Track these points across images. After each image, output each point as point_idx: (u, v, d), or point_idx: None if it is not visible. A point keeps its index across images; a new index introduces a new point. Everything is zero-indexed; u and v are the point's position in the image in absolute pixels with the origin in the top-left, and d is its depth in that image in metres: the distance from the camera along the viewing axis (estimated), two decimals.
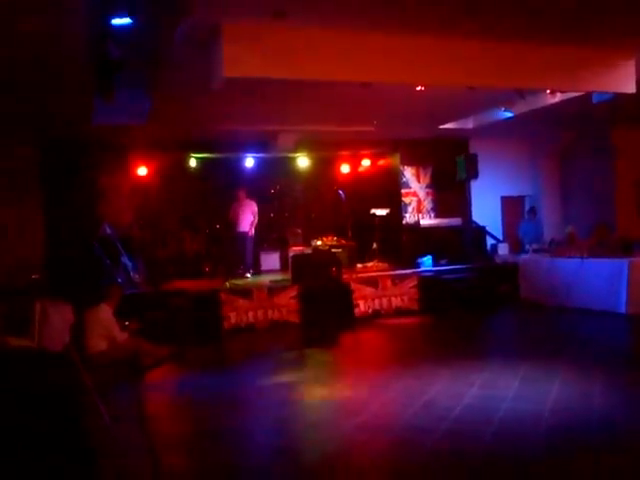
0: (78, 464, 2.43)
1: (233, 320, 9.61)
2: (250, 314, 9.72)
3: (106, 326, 7.12)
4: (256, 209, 11.97)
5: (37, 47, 6.31)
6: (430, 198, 14.09)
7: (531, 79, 8.02)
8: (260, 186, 12.89)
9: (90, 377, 5.25)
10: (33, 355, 2.84)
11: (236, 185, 12.08)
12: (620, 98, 9.09)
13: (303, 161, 13.17)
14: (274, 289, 10.05)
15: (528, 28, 7.07)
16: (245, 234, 11.79)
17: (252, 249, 12.05)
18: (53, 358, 2.82)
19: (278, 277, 11.17)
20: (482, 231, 12.82)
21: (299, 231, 13.07)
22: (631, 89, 8.38)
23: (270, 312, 9.85)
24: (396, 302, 10.64)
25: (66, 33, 5.93)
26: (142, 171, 11.89)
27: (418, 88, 8.33)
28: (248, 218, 11.82)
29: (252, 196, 12.15)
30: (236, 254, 11.73)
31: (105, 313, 7.19)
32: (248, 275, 11.62)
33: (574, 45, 7.72)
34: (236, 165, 12.76)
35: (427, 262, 11.74)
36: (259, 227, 12.25)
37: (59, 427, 2.42)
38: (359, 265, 11.97)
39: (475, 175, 12.65)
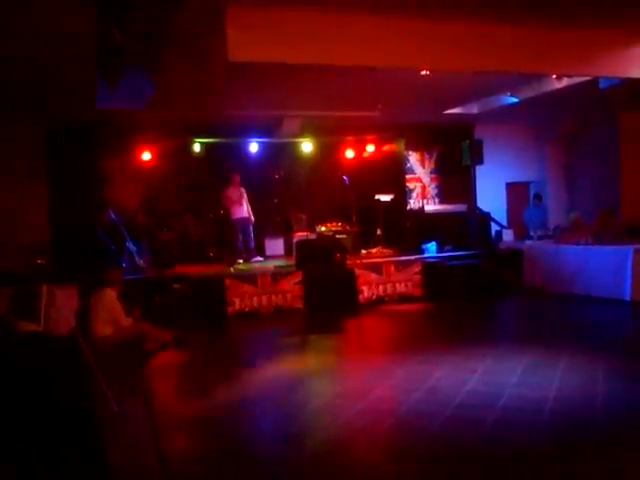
0: (84, 448, 2.45)
1: (237, 305, 9.65)
2: (254, 299, 9.75)
3: (111, 310, 7.17)
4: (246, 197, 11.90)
5: (43, 26, 6.27)
6: (435, 184, 14.06)
7: (537, 64, 7.94)
8: (264, 171, 12.86)
9: (96, 361, 5.28)
10: (41, 339, 2.86)
11: (240, 170, 12.01)
12: (627, 83, 9.00)
13: (307, 146, 13.11)
14: (278, 275, 10.07)
15: (534, 12, 6.99)
16: (246, 220, 11.77)
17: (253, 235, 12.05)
18: (60, 342, 2.83)
19: (282, 262, 11.19)
20: (487, 217, 12.78)
21: (303, 216, 13.04)
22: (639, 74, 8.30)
23: (274, 297, 9.88)
24: (400, 288, 10.65)
25: (73, 12, 5.89)
26: (146, 156, 11.86)
27: (423, 73, 8.27)
28: (244, 204, 11.74)
29: (257, 181, 12.13)
30: (238, 240, 11.68)
31: (110, 298, 7.24)
32: (261, 258, 11.66)
33: (581, 29, 7.63)
34: (240, 150, 12.72)
35: (431, 248, 11.73)
36: (263, 212, 12.24)
37: (66, 411, 2.43)
38: (363, 251, 11.97)
39: (480, 161, 12.58)
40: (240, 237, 11.64)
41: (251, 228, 11.84)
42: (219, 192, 11.81)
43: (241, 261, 11.35)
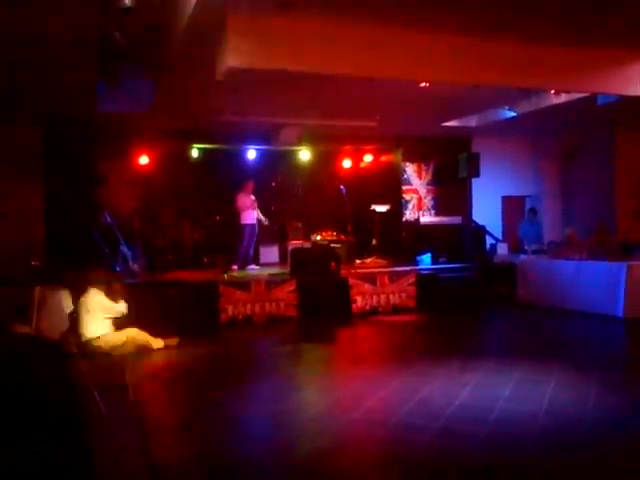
0: (73, 451, 2.43)
1: (230, 312, 9.60)
2: (248, 307, 9.71)
3: (104, 308, 7.17)
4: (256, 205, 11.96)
5: (44, 27, 6.28)
6: (431, 196, 14.09)
7: (536, 79, 7.99)
8: (261, 179, 12.86)
9: (85, 364, 5.26)
10: (31, 342, 2.84)
11: (238, 176, 12.03)
12: (624, 100, 9.07)
13: (305, 155, 13.15)
14: (272, 282, 10.05)
15: (535, 28, 7.04)
16: (253, 227, 11.77)
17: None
18: (50, 345, 2.81)
19: (277, 270, 11.17)
20: (482, 230, 12.82)
21: (299, 225, 13.04)
22: (637, 92, 8.36)
23: (268, 305, 9.84)
24: (393, 299, 10.64)
25: (75, 14, 5.90)
26: (144, 160, 11.86)
27: (422, 84, 8.31)
28: (254, 211, 11.77)
29: (254, 188, 12.15)
30: (242, 245, 11.67)
31: (97, 297, 7.22)
32: (256, 267, 11.64)
33: (581, 46, 7.69)
34: (238, 157, 12.73)
35: (426, 260, 11.74)
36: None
37: (55, 414, 2.42)
38: (358, 261, 11.97)
39: (476, 174, 12.63)
40: (245, 243, 11.63)
41: (255, 236, 11.84)
42: (216, 199, 11.80)
43: (236, 267, 11.33)
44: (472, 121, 12.31)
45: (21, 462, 2.31)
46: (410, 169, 13.94)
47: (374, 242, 12.55)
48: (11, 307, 3.95)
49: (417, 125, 12.09)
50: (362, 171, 13.81)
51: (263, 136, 12.33)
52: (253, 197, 11.78)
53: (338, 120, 11.21)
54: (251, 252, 11.86)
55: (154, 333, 7.54)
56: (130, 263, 10.44)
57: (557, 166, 14.57)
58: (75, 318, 7.01)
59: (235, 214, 11.79)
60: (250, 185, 11.76)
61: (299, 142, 12.55)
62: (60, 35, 6.43)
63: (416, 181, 13.97)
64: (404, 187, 13.85)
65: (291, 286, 9.99)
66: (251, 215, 11.72)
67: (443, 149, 13.67)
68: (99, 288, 7.34)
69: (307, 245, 11.99)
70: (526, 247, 11.99)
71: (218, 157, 12.54)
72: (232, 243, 11.77)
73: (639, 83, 8.29)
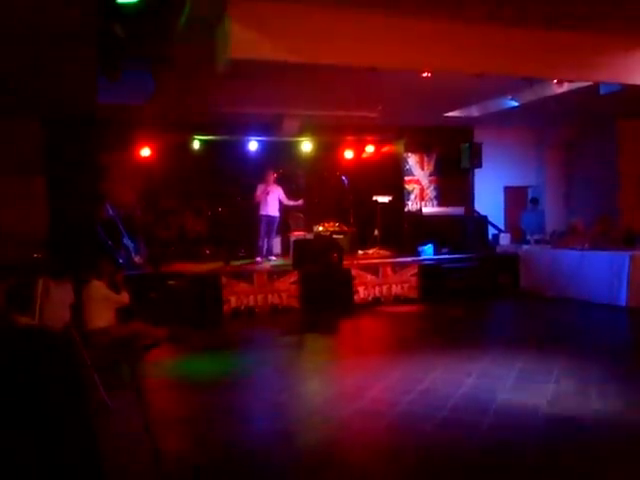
0: (77, 443, 2.44)
1: (233, 303, 9.64)
2: (250, 298, 9.75)
3: (105, 298, 7.15)
4: (283, 195, 11.77)
5: (44, 19, 6.23)
6: (433, 186, 14.02)
7: (539, 67, 7.93)
8: (263, 170, 12.84)
9: (89, 356, 5.27)
10: (35, 333, 2.85)
11: (240, 168, 12.00)
12: (628, 90, 9.02)
13: (307, 145, 13.10)
14: (275, 273, 10.06)
15: (537, 15, 6.99)
16: (273, 218, 11.63)
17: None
18: (54, 336, 2.82)
19: (279, 262, 11.17)
20: (484, 221, 12.79)
21: (301, 216, 13.03)
22: None
23: (270, 296, 9.87)
24: (396, 290, 10.65)
25: (74, 6, 5.86)
26: (145, 151, 11.82)
27: (424, 74, 8.27)
28: (275, 203, 11.63)
29: (255, 179, 12.13)
30: (259, 237, 11.57)
31: (98, 289, 7.21)
32: (274, 258, 11.57)
33: (584, 34, 7.63)
34: (240, 148, 12.70)
35: (428, 250, 11.72)
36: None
37: (59, 405, 2.42)
38: (360, 252, 11.97)
39: (479, 164, 12.57)
40: (263, 234, 11.53)
41: (275, 226, 11.72)
42: (218, 190, 11.76)
43: (260, 260, 11.24)
44: (474, 111, 12.24)
45: (25, 454, 2.32)
46: (412, 160, 13.87)
47: (376, 233, 12.53)
48: (14, 299, 3.95)
49: (419, 115, 12.03)
50: (364, 162, 13.77)
51: (265, 127, 12.27)
52: (275, 187, 11.58)
53: (340, 110, 11.16)
54: (266, 245, 11.65)
55: (157, 324, 7.55)
56: (133, 255, 10.45)
57: (559, 156, 14.51)
58: (79, 310, 7.01)
59: (237, 204, 11.76)
60: (270, 175, 11.57)
61: (301, 133, 12.50)
62: (60, 27, 6.40)
63: (418, 172, 13.91)
64: (406, 178, 13.78)
65: (293, 277, 10.01)
66: (268, 206, 11.50)
67: (445, 139, 13.59)
68: (102, 279, 7.33)
69: (309, 236, 11.97)
70: (528, 237, 11.97)
71: (220, 148, 12.50)
72: (235, 234, 11.72)
73: None
